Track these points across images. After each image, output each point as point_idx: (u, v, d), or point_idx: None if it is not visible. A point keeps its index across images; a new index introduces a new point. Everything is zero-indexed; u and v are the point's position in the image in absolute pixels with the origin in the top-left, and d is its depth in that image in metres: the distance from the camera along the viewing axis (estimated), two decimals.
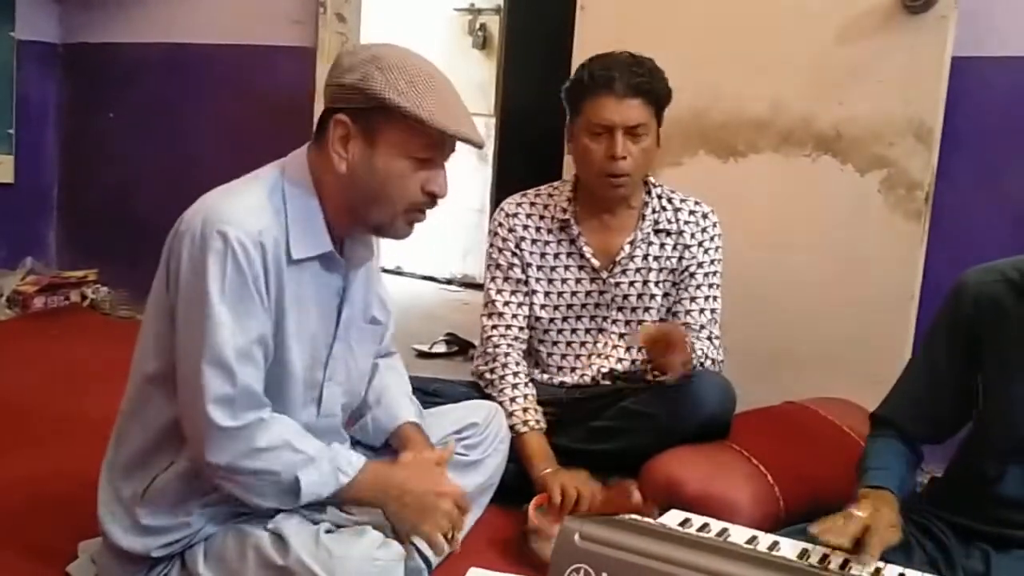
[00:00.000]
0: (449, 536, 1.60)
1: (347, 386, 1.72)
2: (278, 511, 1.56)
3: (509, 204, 2.36)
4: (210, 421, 1.46)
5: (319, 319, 1.62)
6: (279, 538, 1.51)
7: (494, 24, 4.99)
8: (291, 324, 1.56)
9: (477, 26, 5.00)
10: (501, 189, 4.80)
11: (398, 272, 5.33)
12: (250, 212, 1.51)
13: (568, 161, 2.62)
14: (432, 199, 1.59)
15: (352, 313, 1.69)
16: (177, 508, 1.57)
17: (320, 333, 1.63)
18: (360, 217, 1.60)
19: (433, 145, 1.54)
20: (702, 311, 2.28)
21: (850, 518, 1.51)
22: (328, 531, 1.55)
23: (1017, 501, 1.60)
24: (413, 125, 1.49)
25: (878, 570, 1.46)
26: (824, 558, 1.49)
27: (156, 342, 1.56)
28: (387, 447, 1.83)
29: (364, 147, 1.53)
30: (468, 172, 4.99)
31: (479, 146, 1.59)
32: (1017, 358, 1.60)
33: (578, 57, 2.77)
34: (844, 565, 1.47)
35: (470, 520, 1.96)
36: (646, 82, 2.16)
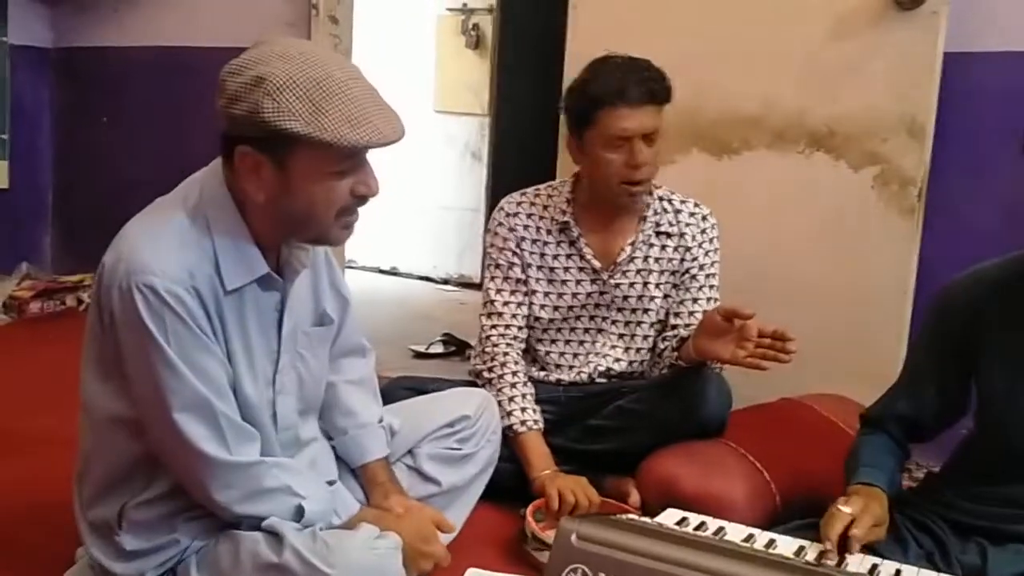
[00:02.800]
0: None
1: (300, 393, 1.67)
2: None
3: (509, 203, 2.36)
4: (206, 458, 1.45)
5: (261, 339, 1.57)
6: (274, 537, 1.50)
7: (487, 24, 4.99)
8: (238, 354, 1.52)
9: (470, 26, 4.99)
10: (496, 189, 4.80)
11: (394, 273, 5.33)
12: (173, 254, 1.42)
13: (563, 161, 2.63)
14: (363, 199, 1.50)
15: (294, 323, 1.62)
16: (160, 529, 1.55)
17: (264, 353, 1.58)
18: (292, 233, 1.53)
19: (348, 156, 1.44)
20: (704, 312, 2.28)
21: (834, 516, 1.52)
22: (323, 527, 1.55)
23: (1013, 497, 1.61)
24: (321, 146, 1.39)
25: (874, 566, 1.46)
26: (821, 555, 1.50)
27: (110, 385, 1.52)
28: None
29: (277, 174, 1.43)
30: (463, 172, 5.00)
31: (394, 142, 1.44)
32: (1007, 360, 1.61)
33: (571, 56, 2.78)
34: (840, 562, 1.47)
35: (465, 511, 1.97)
36: (656, 86, 2.14)
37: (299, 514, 1.53)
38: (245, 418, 1.53)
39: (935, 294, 1.73)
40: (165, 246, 1.43)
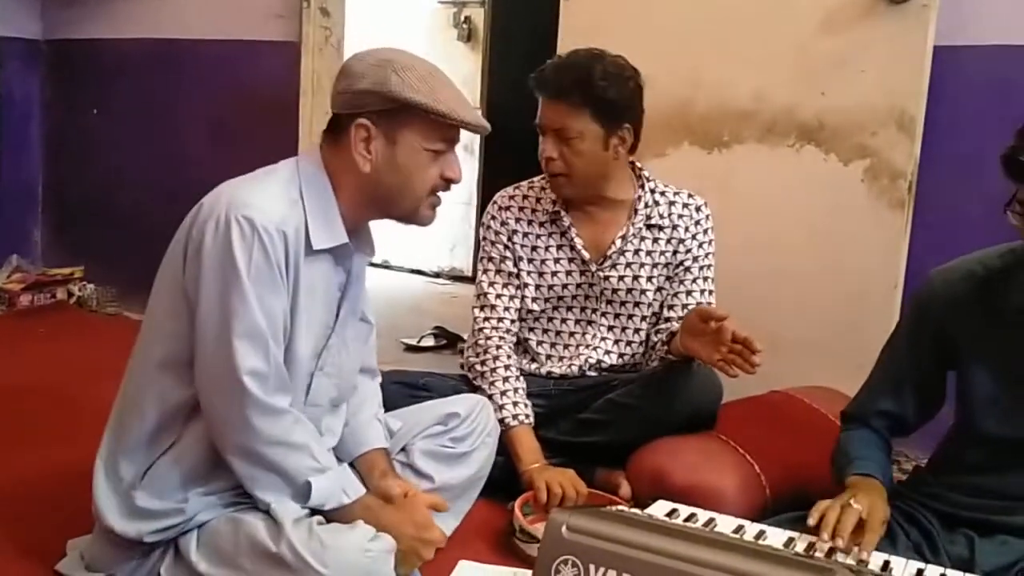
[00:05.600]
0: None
1: (337, 379, 1.75)
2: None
3: (502, 197, 2.37)
4: (246, 391, 1.52)
5: (323, 312, 1.68)
6: (273, 524, 1.54)
7: (479, 17, 4.98)
8: (302, 313, 1.62)
9: (462, 19, 4.99)
10: (488, 182, 4.79)
11: (386, 266, 5.32)
12: (272, 201, 1.57)
13: None
14: (448, 184, 1.68)
15: (349, 309, 1.74)
16: (174, 492, 1.61)
17: (322, 325, 1.69)
18: (383, 210, 1.69)
19: (448, 137, 1.64)
20: (699, 304, 2.29)
21: (848, 510, 1.52)
22: (320, 522, 1.57)
23: (998, 489, 1.62)
24: (432, 120, 1.58)
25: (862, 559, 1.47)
26: (810, 546, 1.51)
27: (168, 326, 1.60)
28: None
29: (386, 146, 1.61)
30: None
31: (487, 132, 1.70)
32: (989, 354, 1.62)
33: (563, 49, 2.77)
34: (830, 553, 1.48)
35: (462, 513, 1.98)
36: (578, 85, 2.13)
37: (307, 489, 1.58)
38: (288, 376, 1.61)
39: (916, 286, 1.74)
40: (267, 191, 1.59)
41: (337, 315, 1.72)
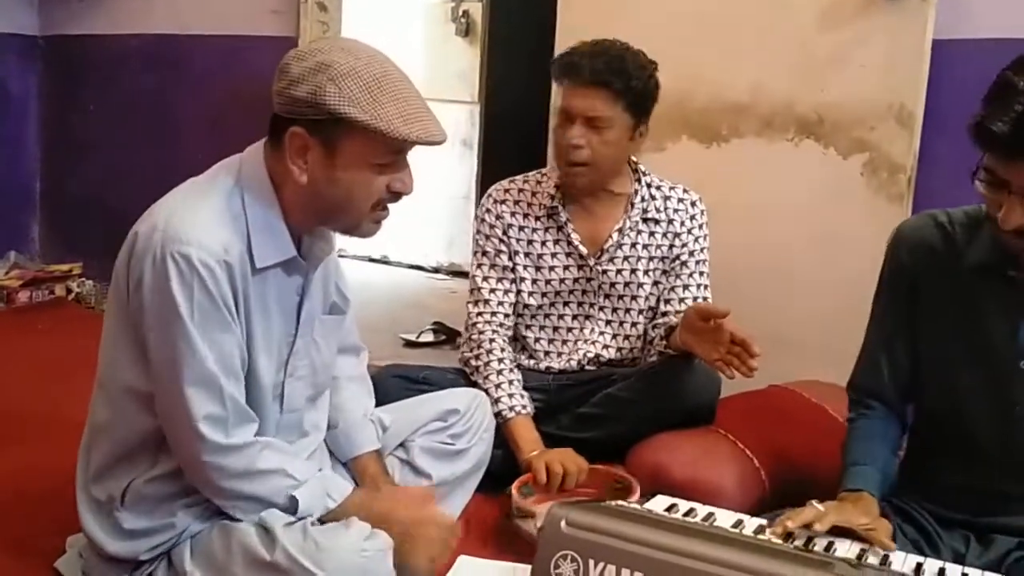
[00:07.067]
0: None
1: (311, 379, 1.71)
2: None
3: (496, 190, 2.36)
4: (203, 438, 1.47)
5: (280, 321, 1.61)
6: (265, 532, 1.51)
7: (477, 11, 4.96)
8: (258, 333, 1.55)
9: (460, 13, 4.96)
10: (486, 177, 4.78)
11: (384, 261, 5.31)
12: (210, 227, 1.46)
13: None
14: (397, 197, 1.56)
15: (312, 308, 1.67)
16: (160, 509, 1.57)
17: (282, 335, 1.62)
18: (326, 221, 1.58)
19: (395, 150, 1.50)
20: (695, 299, 2.29)
21: (804, 510, 1.53)
22: (314, 523, 1.55)
23: (966, 486, 1.62)
24: (373, 135, 1.45)
25: (862, 551, 1.47)
26: (809, 541, 1.51)
27: (129, 354, 1.53)
28: None
29: (324, 158, 1.48)
30: (453, 160, 4.97)
31: (441, 142, 1.53)
32: (943, 304, 1.62)
33: (561, 43, 2.77)
34: (828, 547, 1.48)
35: (458, 506, 1.98)
36: (615, 74, 2.12)
37: (293, 504, 1.54)
38: (252, 397, 1.56)
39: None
40: (203, 219, 1.47)
41: (298, 320, 1.64)
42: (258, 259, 1.51)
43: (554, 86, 2.43)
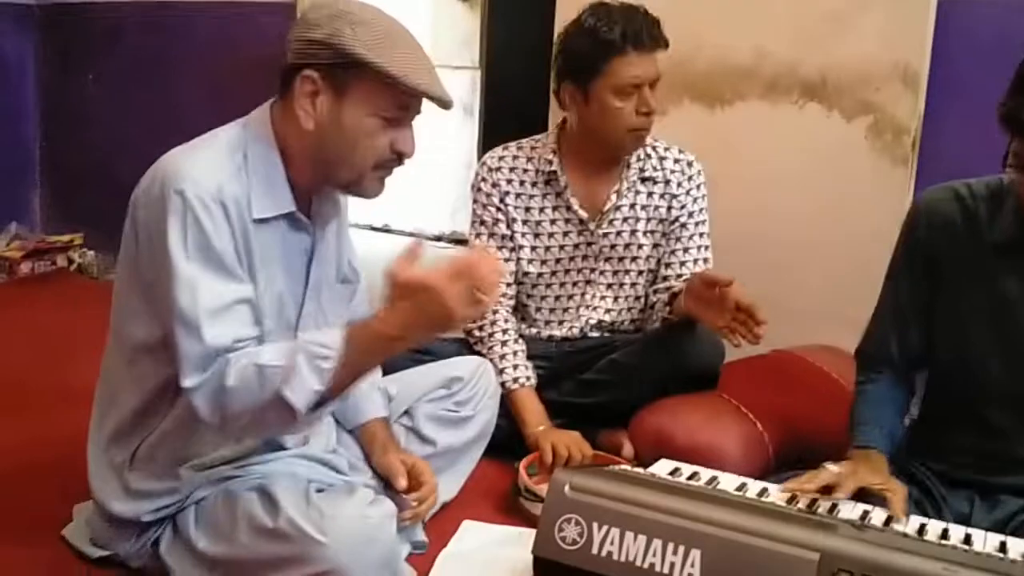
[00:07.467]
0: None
1: None
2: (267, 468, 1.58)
3: (491, 158, 2.34)
4: (185, 382, 1.42)
5: (287, 280, 1.59)
6: (269, 499, 1.51)
7: None
8: (260, 286, 1.52)
9: None
10: (488, 144, 4.72)
11: (386, 230, 5.30)
12: (208, 169, 1.47)
13: (555, 115, 2.60)
14: (400, 158, 1.55)
15: (322, 273, 1.65)
16: (166, 471, 1.58)
17: (289, 295, 1.60)
18: (328, 175, 1.56)
19: (402, 104, 1.50)
20: (696, 261, 2.28)
21: (821, 472, 1.54)
22: (319, 490, 1.56)
23: (976, 449, 1.62)
24: (384, 82, 1.45)
25: (865, 513, 1.48)
26: (813, 503, 1.51)
27: (141, 307, 1.53)
28: None
29: (332, 104, 1.48)
30: (455, 127, 4.94)
31: (448, 106, 1.53)
32: (968, 285, 1.61)
33: (562, 8, 2.74)
34: (832, 509, 1.49)
35: (463, 473, 1.99)
36: (658, 32, 2.13)
37: (282, 384, 1.39)
38: None
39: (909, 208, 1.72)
40: (202, 159, 1.49)
41: (307, 283, 1.63)
42: (256, 209, 1.50)
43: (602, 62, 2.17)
